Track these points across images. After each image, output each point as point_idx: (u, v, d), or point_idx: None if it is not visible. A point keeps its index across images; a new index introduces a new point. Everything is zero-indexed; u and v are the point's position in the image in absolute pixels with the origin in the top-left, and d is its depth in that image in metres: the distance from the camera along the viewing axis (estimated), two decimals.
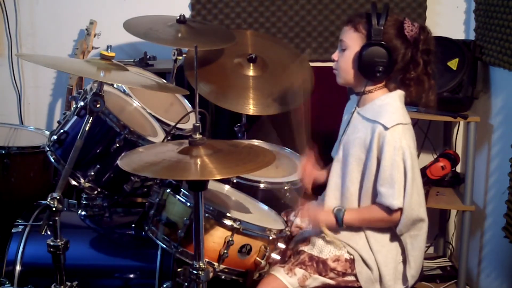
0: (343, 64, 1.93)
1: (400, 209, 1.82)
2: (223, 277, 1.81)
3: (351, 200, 1.93)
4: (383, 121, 1.84)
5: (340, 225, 1.89)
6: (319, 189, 2.13)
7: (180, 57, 2.62)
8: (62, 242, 1.74)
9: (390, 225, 1.88)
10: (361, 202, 1.92)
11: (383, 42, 1.84)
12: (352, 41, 1.90)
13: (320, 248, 1.92)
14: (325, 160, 2.20)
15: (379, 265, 1.88)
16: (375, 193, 1.87)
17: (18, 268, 1.94)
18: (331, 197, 1.98)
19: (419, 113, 2.60)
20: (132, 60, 2.90)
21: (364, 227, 1.92)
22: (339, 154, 1.98)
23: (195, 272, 1.62)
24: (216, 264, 1.78)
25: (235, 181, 2.18)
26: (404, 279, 1.91)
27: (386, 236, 1.92)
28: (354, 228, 1.92)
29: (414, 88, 1.90)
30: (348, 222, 1.89)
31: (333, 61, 1.98)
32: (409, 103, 1.94)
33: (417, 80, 1.89)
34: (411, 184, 1.81)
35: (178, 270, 1.76)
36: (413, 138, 1.88)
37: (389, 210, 1.83)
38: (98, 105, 1.83)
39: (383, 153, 1.82)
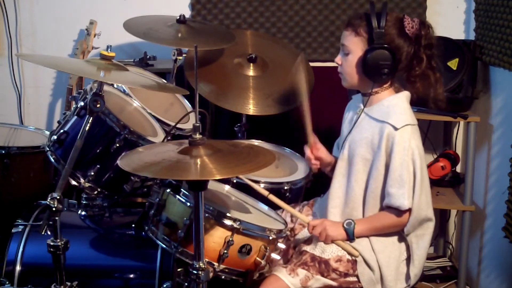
0: (347, 68, 1.92)
1: (409, 210, 1.83)
2: (223, 277, 1.81)
3: (355, 200, 1.93)
4: (392, 122, 1.84)
5: (351, 238, 1.89)
6: (323, 189, 2.11)
7: (180, 57, 2.61)
8: (62, 242, 1.74)
9: (399, 228, 1.89)
10: (366, 202, 1.92)
11: (386, 45, 1.83)
12: (354, 45, 1.89)
13: (322, 248, 1.92)
14: None
15: (380, 265, 1.88)
16: (382, 194, 1.87)
17: (18, 268, 1.94)
18: (335, 196, 1.98)
19: (419, 113, 2.59)
20: (132, 60, 2.90)
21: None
22: (344, 154, 1.97)
23: (195, 272, 1.62)
24: (216, 264, 1.78)
25: (235, 181, 2.18)
26: (407, 277, 1.91)
27: (389, 237, 1.92)
28: None
29: (420, 84, 1.90)
30: (359, 234, 1.89)
31: (337, 64, 1.97)
32: (412, 102, 1.94)
33: (423, 75, 1.89)
34: (420, 185, 1.82)
35: (178, 270, 1.76)
36: (420, 138, 1.89)
37: (398, 211, 1.84)
38: (98, 105, 1.82)
39: (392, 154, 1.82)
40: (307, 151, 2.09)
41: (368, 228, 1.90)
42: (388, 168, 1.84)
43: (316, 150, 2.09)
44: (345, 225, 1.89)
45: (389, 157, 1.84)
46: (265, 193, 2.00)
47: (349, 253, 1.89)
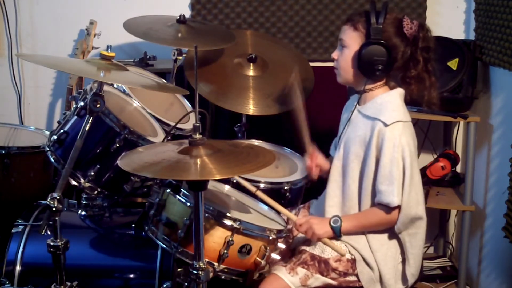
0: (343, 63, 1.93)
1: (399, 207, 1.82)
2: (223, 277, 1.81)
3: (351, 198, 1.93)
4: (383, 118, 1.84)
5: (338, 235, 1.89)
6: (320, 191, 2.13)
7: (180, 57, 2.61)
8: (62, 242, 1.74)
9: (388, 226, 1.89)
10: (361, 200, 1.92)
11: (382, 41, 1.84)
12: (352, 40, 1.90)
13: (322, 248, 1.92)
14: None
15: (378, 264, 1.89)
16: (374, 191, 1.87)
17: (18, 268, 1.94)
18: (332, 195, 1.98)
19: (419, 113, 2.60)
20: (132, 60, 2.90)
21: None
22: (340, 152, 1.98)
23: (195, 272, 1.62)
24: (216, 264, 1.78)
25: (235, 181, 2.18)
26: (404, 278, 1.91)
27: (385, 235, 1.92)
28: None
29: (415, 86, 1.90)
30: (346, 231, 1.89)
31: (333, 60, 1.98)
32: (412, 102, 1.94)
33: (418, 78, 1.90)
34: (409, 182, 1.82)
35: (178, 270, 1.76)
36: (413, 136, 1.89)
37: (388, 208, 1.84)
38: (98, 105, 1.83)
39: (382, 150, 1.83)
40: (307, 160, 2.11)
41: (355, 225, 1.90)
42: (379, 165, 1.84)
43: (315, 158, 2.10)
44: (331, 222, 1.89)
45: (379, 153, 1.84)
46: (253, 189, 2.00)
47: (336, 251, 1.89)
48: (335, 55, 1.96)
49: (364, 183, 1.90)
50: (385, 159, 1.82)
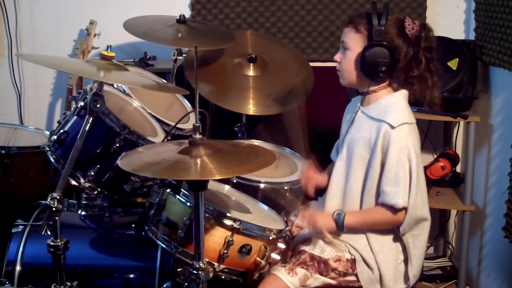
0: (346, 65, 1.93)
1: (405, 208, 1.82)
2: (223, 277, 1.81)
3: (353, 199, 1.93)
4: (389, 120, 1.84)
5: (340, 229, 1.89)
6: (321, 192, 2.13)
7: (180, 57, 2.61)
8: (62, 242, 1.74)
9: (393, 226, 1.88)
10: (363, 201, 1.92)
11: (384, 43, 1.84)
12: (354, 42, 1.90)
13: (321, 248, 1.92)
14: (325, 161, 2.21)
15: (379, 265, 1.88)
16: (378, 193, 1.87)
17: (18, 268, 1.94)
18: (333, 196, 1.98)
19: (420, 113, 2.59)
20: (132, 60, 2.90)
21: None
22: (343, 153, 1.97)
23: (195, 272, 1.62)
24: (216, 264, 1.78)
25: (235, 181, 2.18)
26: (406, 278, 1.91)
27: (387, 236, 1.92)
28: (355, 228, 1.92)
29: (417, 86, 1.91)
30: (349, 225, 1.89)
31: (335, 62, 1.98)
32: (413, 102, 1.94)
33: (420, 77, 1.90)
34: (416, 184, 1.82)
35: (178, 270, 1.76)
36: (418, 137, 1.89)
37: (393, 209, 1.83)
38: (98, 105, 1.83)
39: (388, 152, 1.82)
40: (303, 179, 2.15)
41: (358, 221, 1.90)
42: (384, 167, 1.84)
43: (311, 178, 2.14)
44: (334, 216, 1.89)
45: (385, 155, 1.84)
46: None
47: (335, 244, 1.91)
48: (337, 57, 1.96)
49: (368, 184, 1.89)
50: (391, 161, 1.82)
